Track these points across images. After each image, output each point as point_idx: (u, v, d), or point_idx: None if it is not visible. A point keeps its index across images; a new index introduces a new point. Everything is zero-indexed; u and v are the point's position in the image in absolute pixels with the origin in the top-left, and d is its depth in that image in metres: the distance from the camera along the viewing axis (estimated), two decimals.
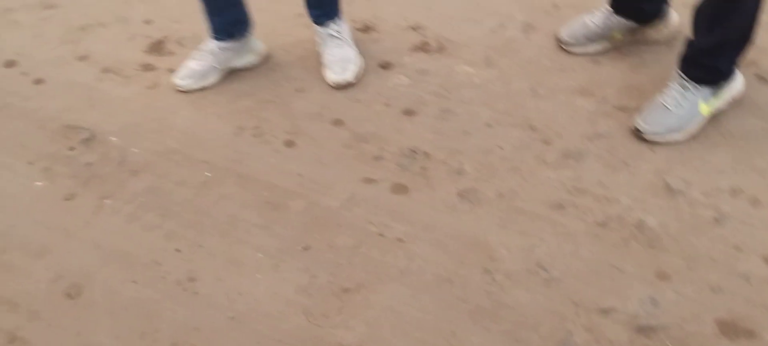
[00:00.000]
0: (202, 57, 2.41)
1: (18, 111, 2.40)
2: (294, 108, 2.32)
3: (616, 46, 2.44)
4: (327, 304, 1.78)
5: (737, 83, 2.16)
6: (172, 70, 2.47)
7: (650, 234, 1.89)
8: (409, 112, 2.28)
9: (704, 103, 2.09)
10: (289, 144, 2.20)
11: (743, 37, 2.02)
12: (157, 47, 2.62)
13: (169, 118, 2.33)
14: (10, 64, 2.60)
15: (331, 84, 2.37)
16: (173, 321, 1.76)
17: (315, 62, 2.47)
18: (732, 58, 2.08)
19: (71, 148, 2.24)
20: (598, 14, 2.43)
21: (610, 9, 2.40)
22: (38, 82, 2.51)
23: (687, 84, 2.10)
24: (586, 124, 2.20)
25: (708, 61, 2.07)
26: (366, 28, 2.63)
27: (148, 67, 2.54)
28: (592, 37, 2.43)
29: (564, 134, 2.17)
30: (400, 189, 2.05)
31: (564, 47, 2.46)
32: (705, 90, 2.09)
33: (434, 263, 1.86)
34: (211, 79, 2.41)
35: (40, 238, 1.97)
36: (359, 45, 2.50)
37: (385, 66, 2.46)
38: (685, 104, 2.09)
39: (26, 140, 2.28)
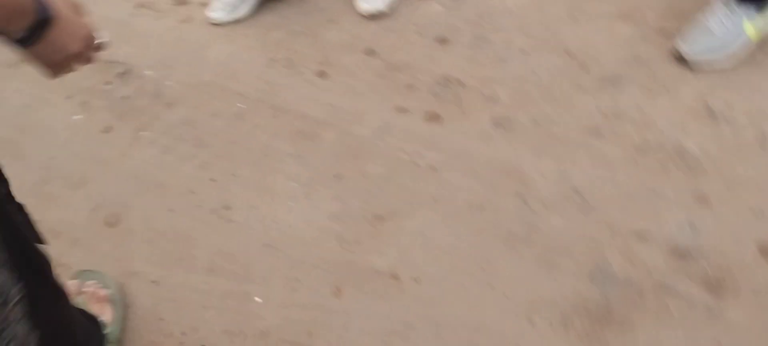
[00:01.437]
0: None
1: None
2: (325, 39, 2.30)
3: None
4: (359, 230, 1.79)
5: None
6: (204, 4, 2.47)
7: (690, 158, 1.84)
8: (442, 41, 2.25)
9: (749, 22, 2.01)
10: (321, 75, 2.19)
11: None
12: None
13: (203, 52, 2.33)
14: None
15: (363, 13, 2.34)
16: (209, 247, 1.78)
17: None
18: None
19: (107, 83, 2.26)
20: None
21: None
22: None
23: (730, 2, 2.02)
24: (625, 49, 2.14)
25: None
26: None
27: (181, 2, 2.53)
28: None
29: (602, 60, 2.12)
30: (433, 118, 2.03)
31: None
32: (749, 8, 2.01)
33: (467, 190, 1.84)
34: (243, 10, 2.40)
35: (79, 169, 2.00)
36: None
37: None
38: (729, 24, 2.02)
39: (64, 75, 2.31)
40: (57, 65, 0.98)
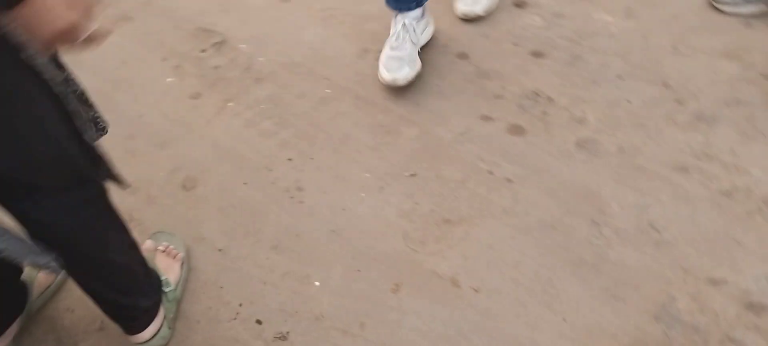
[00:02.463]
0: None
1: (159, 9, 2.50)
2: None
3: None
4: (426, 232, 1.78)
5: None
6: None
7: None
8: (537, 55, 2.21)
9: None
10: None
11: None
12: None
13: (298, 33, 2.37)
14: None
15: (460, 15, 2.32)
16: (277, 225, 1.81)
17: None
18: None
19: (202, 50, 2.32)
20: None
21: None
22: None
23: None
24: (726, 89, 2.05)
25: None
26: None
27: None
28: None
29: (700, 96, 2.04)
30: (516, 130, 2.00)
31: (715, 5, 2.30)
32: None
33: (540, 208, 1.80)
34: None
35: (164, 130, 2.06)
36: None
37: (520, 5, 2.39)
38: None
39: (163, 38, 2.38)
40: (45, 39, 0.93)
